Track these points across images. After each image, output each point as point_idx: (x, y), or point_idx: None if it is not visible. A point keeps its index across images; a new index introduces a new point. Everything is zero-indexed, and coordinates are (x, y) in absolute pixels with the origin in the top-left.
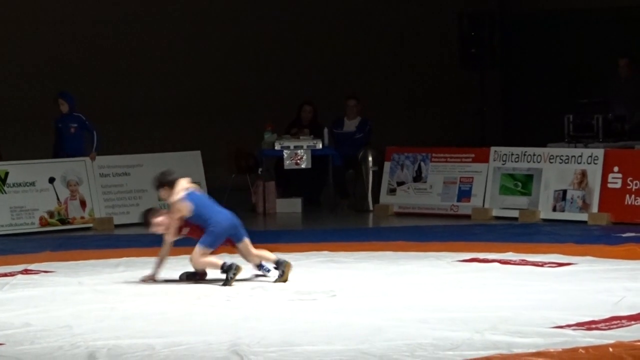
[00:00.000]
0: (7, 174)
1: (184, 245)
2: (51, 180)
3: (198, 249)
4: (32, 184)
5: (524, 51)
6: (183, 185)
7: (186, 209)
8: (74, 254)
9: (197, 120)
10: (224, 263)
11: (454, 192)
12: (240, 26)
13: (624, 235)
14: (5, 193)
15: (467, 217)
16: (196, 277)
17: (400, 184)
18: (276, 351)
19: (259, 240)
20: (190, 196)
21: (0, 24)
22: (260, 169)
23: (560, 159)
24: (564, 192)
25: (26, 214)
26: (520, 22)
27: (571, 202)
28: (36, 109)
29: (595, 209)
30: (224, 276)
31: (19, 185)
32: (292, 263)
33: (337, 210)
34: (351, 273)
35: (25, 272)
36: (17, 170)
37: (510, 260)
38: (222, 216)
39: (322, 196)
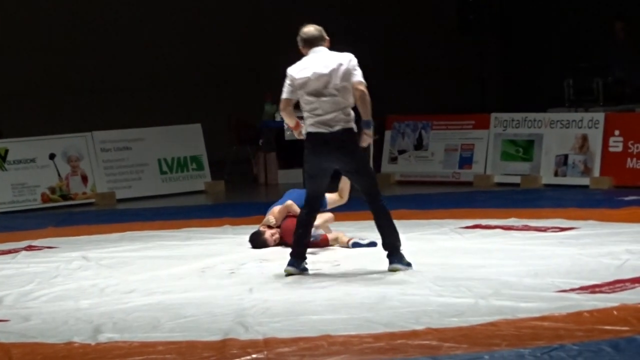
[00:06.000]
0: (7, 151)
1: None
2: (52, 156)
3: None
4: (33, 160)
5: (522, 16)
6: None
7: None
8: (77, 229)
9: (197, 92)
10: None
11: (455, 160)
12: None
13: (626, 198)
14: (6, 170)
15: (469, 184)
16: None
17: (401, 152)
18: (281, 321)
19: (259, 211)
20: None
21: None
22: (260, 141)
23: (561, 124)
24: (566, 156)
25: (28, 190)
26: None
27: (573, 167)
28: (35, 84)
29: (596, 173)
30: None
31: (20, 162)
32: None
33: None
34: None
35: (29, 248)
36: (17, 147)
37: (513, 226)
38: None
39: None
